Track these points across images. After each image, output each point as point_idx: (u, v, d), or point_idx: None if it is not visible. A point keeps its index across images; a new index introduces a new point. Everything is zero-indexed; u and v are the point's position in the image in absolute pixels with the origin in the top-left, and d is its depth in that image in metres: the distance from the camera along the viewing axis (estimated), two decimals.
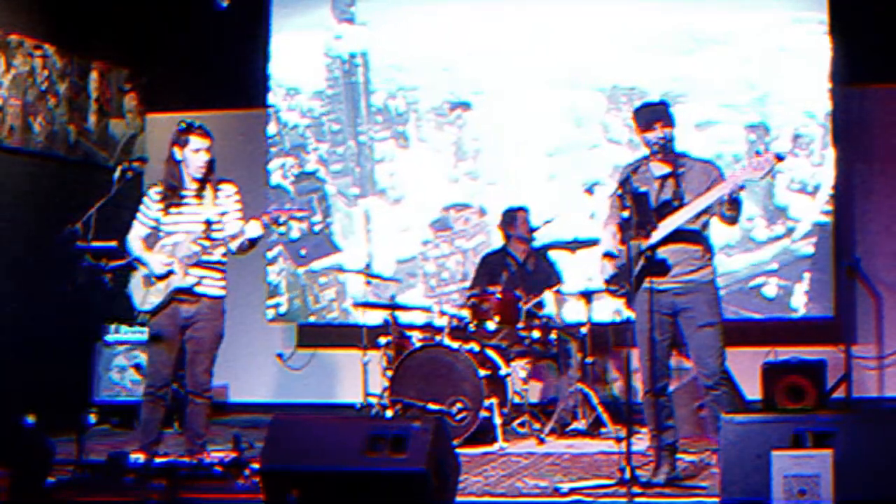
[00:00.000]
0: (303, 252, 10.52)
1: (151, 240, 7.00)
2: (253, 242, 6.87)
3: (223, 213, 6.92)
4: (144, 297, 6.93)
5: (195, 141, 6.90)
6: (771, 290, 9.70)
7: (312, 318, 10.56)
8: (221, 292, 6.99)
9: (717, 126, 9.76)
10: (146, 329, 7.06)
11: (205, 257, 6.85)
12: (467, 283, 9.45)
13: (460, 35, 10.35)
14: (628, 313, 6.49)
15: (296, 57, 10.56)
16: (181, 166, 6.92)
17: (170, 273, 6.85)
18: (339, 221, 10.50)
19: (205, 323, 6.92)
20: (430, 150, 10.40)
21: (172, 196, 6.92)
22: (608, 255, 6.53)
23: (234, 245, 6.86)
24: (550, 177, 10.11)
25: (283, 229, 7.88)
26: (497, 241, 9.47)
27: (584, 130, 10.09)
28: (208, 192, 6.93)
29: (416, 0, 10.49)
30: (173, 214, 6.92)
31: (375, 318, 9.23)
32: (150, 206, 6.99)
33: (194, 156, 6.89)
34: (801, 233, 9.68)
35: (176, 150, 6.93)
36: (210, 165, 6.94)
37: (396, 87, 10.45)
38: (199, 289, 6.89)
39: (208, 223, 6.85)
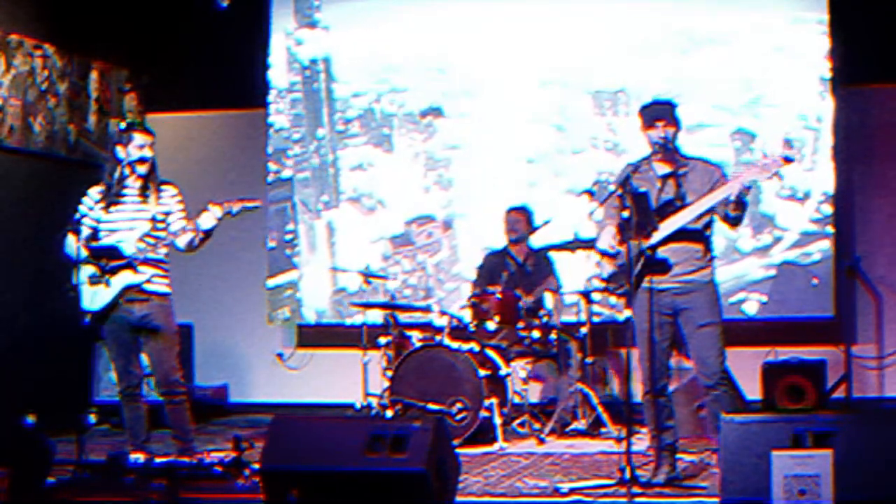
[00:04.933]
0: None
1: (91, 240, 6.92)
2: (206, 234, 6.82)
3: (167, 213, 6.91)
4: (92, 296, 6.87)
5: (138, 137, 6.92)
6: (751, 306, 9.60)
7: None
8: (168, 290, 6.96)
9: (706, 130, 9.54)
10: (96, 331, 7.03)
11: (151, 255, 6.84)
12: (431, 301, 9.37)
13: (432, 39, 10.09)
14: (627, 312, 6.48)
15: (286, 58, 10.47)
16: (124, 165, 6.92)
17: (123, 267, 6.81)
18: (304, 234, 10.34)
19: (160, 322, 6.90)
20: (400, 159, 10.17)
21: (114, 194, 6.91)
22: (607, 254, 6.52)
23: (182, 241, 6.83)
24: (530, 184, 9.86)
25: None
26: (465, 254, 9.40)
27: (568, 135, 9.87)
28: (152, 190, 6.92)
29: (383, 3, 10.25)
30: (115, 213, 6.89)
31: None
32: (92, 205, 6.95)
33: (138, 152, 6.89)
34: (788, 242, 9.58)
35: (119, 148, 6.93)
36: (152, 163, 6.94)
37: (362, 93, 10.22)
38: (148, 286, 6.86)
39: (154, 220, 6.84)
